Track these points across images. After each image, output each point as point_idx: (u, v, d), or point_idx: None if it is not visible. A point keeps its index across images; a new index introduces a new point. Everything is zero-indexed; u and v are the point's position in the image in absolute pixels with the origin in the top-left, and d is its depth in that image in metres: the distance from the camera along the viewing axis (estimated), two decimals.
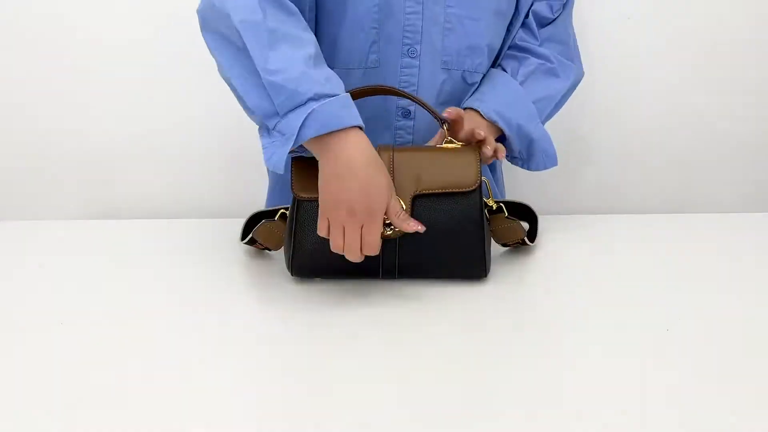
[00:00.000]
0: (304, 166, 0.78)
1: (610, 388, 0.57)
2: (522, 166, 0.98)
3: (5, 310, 0.75)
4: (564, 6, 1.00)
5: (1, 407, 0.55)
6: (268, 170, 1.10)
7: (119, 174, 1.43)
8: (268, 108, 0.73)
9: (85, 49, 1.35)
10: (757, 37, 1.37)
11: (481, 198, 0.77)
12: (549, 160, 0.97)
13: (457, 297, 0.75)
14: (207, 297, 0.78)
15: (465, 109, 0.92)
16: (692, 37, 1.37)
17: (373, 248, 0.71)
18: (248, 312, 0.75)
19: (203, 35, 0.80)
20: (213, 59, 0.80)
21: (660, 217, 1.08)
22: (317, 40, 0.80)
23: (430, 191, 0.76)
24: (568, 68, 0.99)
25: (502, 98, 0.92)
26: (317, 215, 0.74)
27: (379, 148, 0.77)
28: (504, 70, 0.97)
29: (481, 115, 0.90)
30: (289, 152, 0.73)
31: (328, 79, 0.74)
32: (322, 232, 0.73)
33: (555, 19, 0.99)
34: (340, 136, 0.72)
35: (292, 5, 0.78)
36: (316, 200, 0.75)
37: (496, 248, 0.88)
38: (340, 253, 0.72)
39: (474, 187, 0.76)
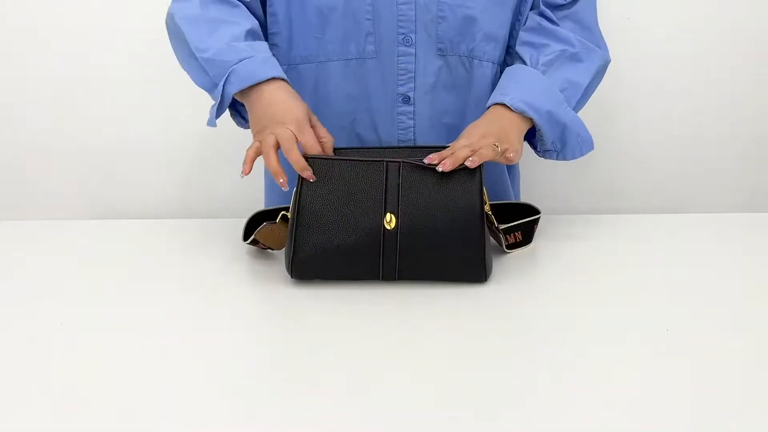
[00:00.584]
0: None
1: (610, 388, 0.57)
2: (557, 158, 0.94)
3: (5, 310, 0.75)
4: None
5: (1, 407, 0.55)
6: (265, 171, 1.10)
7: (119, 174, 1.43)
8: (208, 81, 0.87)
9: (86, 49, 1.35)
10: (757, 37, 1.37)
11: (482, 203, 0.77)
12: (585, 145, 0.93)
13: (458, 297, 0.75)
14: (207, 297, 0.78)
15: (488, 107, 0.90)
16: (692, 38, 1.37)
17: (312, 148, 0.80)
18: (248, 312, 0.75)
19: (169, 39, 0.93)
20: None
21: (660, 217, 1.08)
22: (309, 34, 0.93)
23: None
24: (592, 53, 0.94)
25: (526, 88, 0.89)
26: (320, 219, 0.76)
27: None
28: (523, 60, 0.94)
29: (509, 108, 0.87)
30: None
31: (251, 46, 0.86)
32: (249, 153, 0.81)
33: (574, 1, 0.96)
34: (261, 87, 0.83)
35: (235, 1, 0.91)
36: (318, 205, 0.76)
37: (496, 250, 0.88)
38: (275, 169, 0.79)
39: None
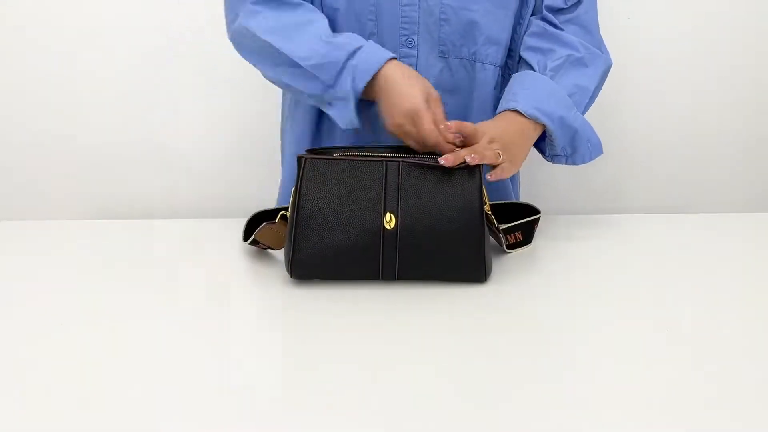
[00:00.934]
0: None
1: (610, 388, 0.57)
2: (566, 163, 0.94)
3: (5, 311, 0.75)
4: None
5: (1, 408, 0.55)
6: (282, 168, 1.10)
7: (119, 174, 1.43)
8: (319, 86, 0.86)
9: (86, 49, 1.35)
10: (757, 37, 1.37)
11: (481, 202, 0.77)
12: (594, 150, 0.93)
13: (457, 297, 0.75)
14: (207, 297, 0.78)
15: (498, 114, 0.90)
16: (692, 37, 1.37)
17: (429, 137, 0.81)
18: (248, 312, 0.75)
19: (241, 55, 0.94)
20: (224, 64, 0.98)
21: (660, 217, 1.08)
22: None
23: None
24: (596, 57, 0.95)
25: (537, 93, 0.89)
26: (319, 218, 0.76)
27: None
28: (530, 65, 0.95)
29: (521, 114, 0.87)
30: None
31: (348, 38, 0.86)
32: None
33: (575, 4, 0.96)
34: (380, 76, 0.84)
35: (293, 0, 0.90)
36: (317, 205, 0.76)
37: (496, 250, 0.88)
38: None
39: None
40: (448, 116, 0.96)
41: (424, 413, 0.53)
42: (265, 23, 0.88)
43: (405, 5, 0.91)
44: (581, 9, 0.96)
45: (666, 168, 1.45)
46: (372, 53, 0.84)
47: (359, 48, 0.84)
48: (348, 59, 0.84)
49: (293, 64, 0.86)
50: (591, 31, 0.97)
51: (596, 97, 0.97)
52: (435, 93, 0.85)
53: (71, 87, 1.37)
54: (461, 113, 0.97)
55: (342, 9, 0.91)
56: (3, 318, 0.73)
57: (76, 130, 1.40)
